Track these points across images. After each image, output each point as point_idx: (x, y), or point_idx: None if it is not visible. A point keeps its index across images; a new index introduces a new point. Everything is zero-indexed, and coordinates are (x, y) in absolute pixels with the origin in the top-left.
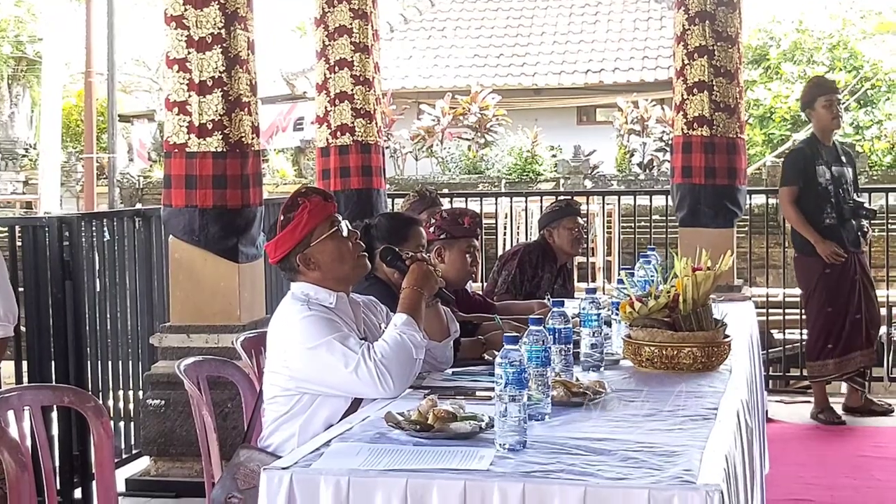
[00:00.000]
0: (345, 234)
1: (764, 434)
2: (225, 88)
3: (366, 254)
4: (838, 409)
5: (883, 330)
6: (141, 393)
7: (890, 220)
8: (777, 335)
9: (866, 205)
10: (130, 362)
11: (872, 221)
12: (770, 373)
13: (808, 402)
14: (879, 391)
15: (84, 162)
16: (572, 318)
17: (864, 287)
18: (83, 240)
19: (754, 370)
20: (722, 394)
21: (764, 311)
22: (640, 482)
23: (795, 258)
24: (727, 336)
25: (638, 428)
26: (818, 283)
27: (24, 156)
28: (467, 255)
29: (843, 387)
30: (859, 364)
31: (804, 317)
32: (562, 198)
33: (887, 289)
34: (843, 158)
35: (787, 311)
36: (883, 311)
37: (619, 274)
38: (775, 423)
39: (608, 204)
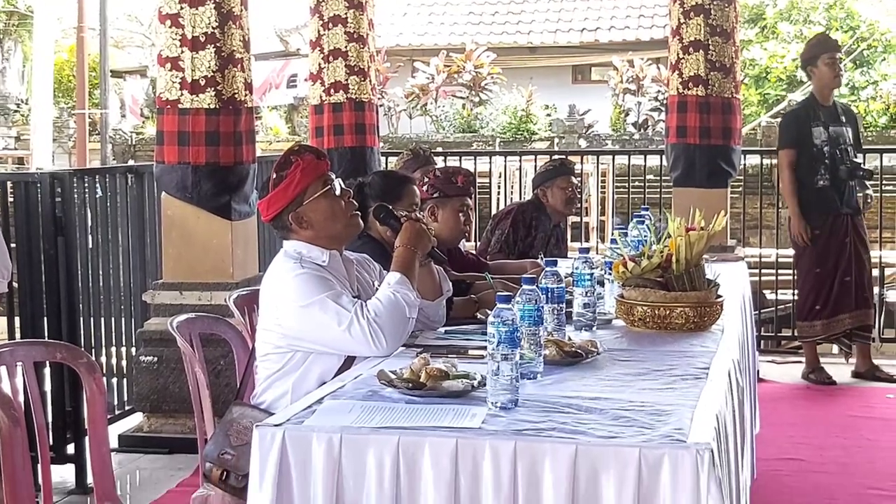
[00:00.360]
0: (338, 192)
1: (755, 394)
2: (218, 44)
3: (359, 213)
4: (831, 371)
5: (874, 291)
6: (134, 349)
7: (885, 182)
8: (769, 296)
9: (863, 166)
10: (123, 319)
11: (868, 182)
12: (762, 333)
13: (800, 362)
14: (887, 352)
15: (76, 118)
16: (565, 277)
17: (855, 249)
18: (75, 196)
19: (746, 330)
20: (713, 354)
21: (757, 271)
22: (631, 441)
23: (789, 218)
24: (719, 296)
25: (629, 387)
26: (807, 244)
27: (15, 111)
28: (460, 214)
29: (835, 347)
30: (847, 326)
31: (795, 277)
32: (556, 157)
33: (880, 250)
34: (843, 118)
35: (779, 271)
36: (875, 272)
37: (612, 234)
38: (766, 382)
39: (602, 163)
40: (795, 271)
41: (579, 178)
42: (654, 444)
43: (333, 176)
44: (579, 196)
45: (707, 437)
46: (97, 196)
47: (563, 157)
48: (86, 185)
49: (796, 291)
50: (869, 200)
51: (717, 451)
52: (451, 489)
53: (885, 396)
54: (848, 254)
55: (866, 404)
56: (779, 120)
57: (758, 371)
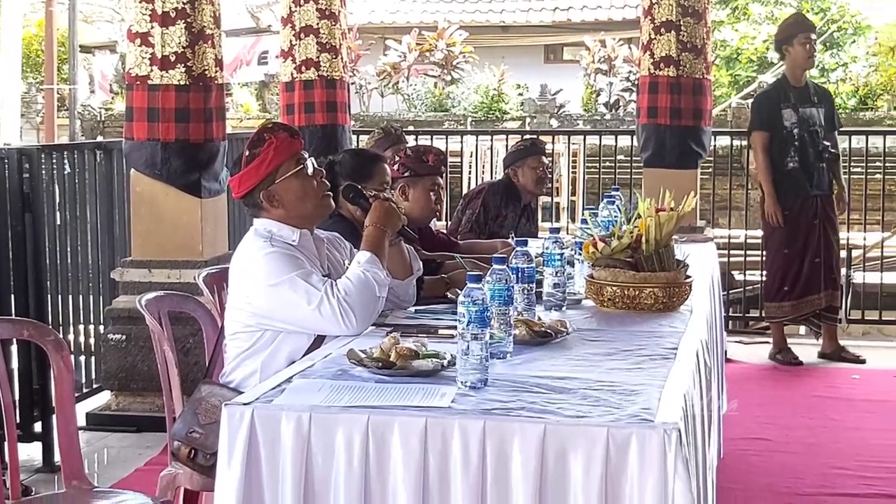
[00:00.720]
0: (310, 172)
1: (722, 374)
2: (188, 20)
3: (330, 193)
4: (798, 351)
5: (841, 272)
6: (102, 327)
7: (853, 163)
8: (738, 276)
9: (831, 148)
10: (91, 296)
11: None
12: (730, 314)
13: (767, 342)
14: (853, 334)
15: (44, 93)
16: (535, 257)
17: (824, 231)
18: (43, 172)
19: (714, 311)
20: (682, 334)
21: (726, 252)
22: (600, 420)
23: (761, 198)
24: (688, 277)
25: (598, 367)
26: (781, 225)
27: None
28: (431, 193)
29: (802, 328)
30: (816, 306)
31: (763, 258)
32: (527, 137)
33: (847, 231)
34: (815, 98)
35: (748, 252)
36: (843, 254)
37: (582, 214)
38: (734, 363)
39: (573, 144)
40: (764, 252)
41: (550, 159)
42: (622, 424)
43: (306, 155)
44: (550, 176)
45: (674, 417)
46: (65, 172)
47: (534, 136)
48: (54, 161)
49: (765, 272)
50: (844, 181)
51: (685, 431)
52: (421, 468)
53: (850, 377)
54: (817, 235)
55: (832, 385)
56: (750, 101)
57: (725, 351)
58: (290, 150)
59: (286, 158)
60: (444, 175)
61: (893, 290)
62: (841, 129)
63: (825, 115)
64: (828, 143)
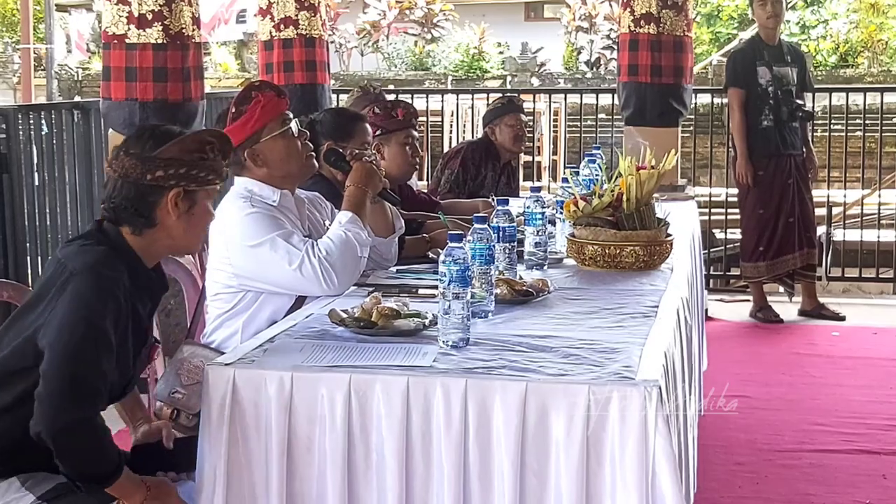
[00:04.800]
0: (295, 133)
1: (703, 332)
2: None
3: (314, 154)
4: (779, 309)
5: (821, 230)
6: None
7: (833, 121)
8: (719, 235)
9: (804, 107)
10: None
11: (814, 123)
12: (711, 272)
13: (747, 301)
14: (818, 291)
15: (21, 53)
16: (517, 216)
17: (798, 190)
18: (20, 132)
19: (695, 269)
20: (663, 292)
21: (706, 210)
22: (581, 378)
23: (733, 158)
24: (669, 235)
25: (579, 325)
26: (752, 185)
27: None
28: (406, 147)
29: (781, 287)
30: (791, 266)
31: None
32: (504, 95)
33: (828, 189)
34: (788, 58)
35: (729, 211)
36: (822, 211)
37: (564, 173)
38: (714, 321)
39: (555, 102)
40: (740, 212)
41: (532, 117)
42: (603, 382)
43: (291, 115)
44: (528, 133)
45: (655, 375)
46: (43, 133)
47: (512, 94)
48: (31, 121)
49: (741, 232)
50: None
51: (665, 388)
52: (403, 427)
53: (830, 334)
54: (791, 195)
55: (812, 342)
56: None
57: (706, 309)
58: (277, 110)
59: (272, 118)
60: (416, 128)
61: (873, 248)
62: (822, 87)
63: (798, 75)
64: (801, 103)
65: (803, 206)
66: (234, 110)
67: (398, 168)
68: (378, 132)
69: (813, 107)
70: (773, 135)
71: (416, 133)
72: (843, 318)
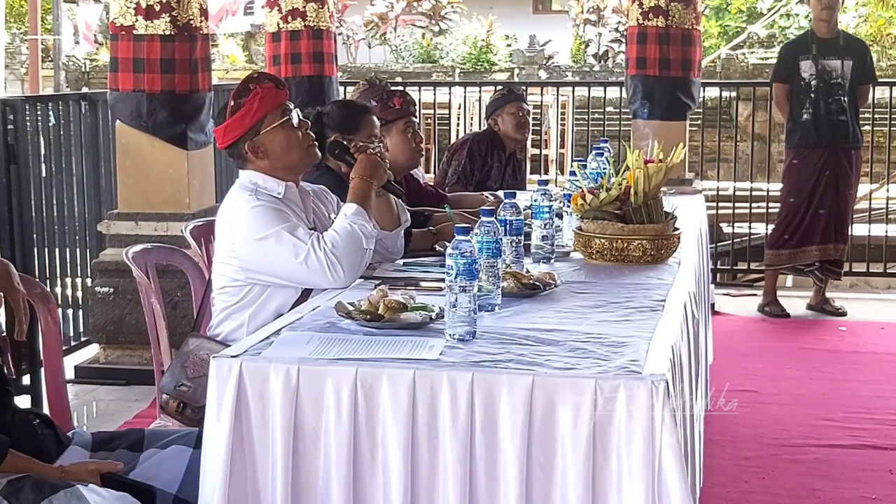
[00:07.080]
0: (295, 123)
1: (709, 326)
2: None
3: (316, 143)
4: (786, 304)
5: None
6: (89, 280)
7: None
8: (726, 229)
9: (858, 99)
10: (78, 249)
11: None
12: (718, 266)
13: (754, 295)
14: (840, 286)
15: (28, 44)
16: (524, 209)
17: (834, 183)
18: (28, 123)
19: (702, 263)
20: (670, 286)
21: (714, 204)
22: (588, 372)
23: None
24: (677, 229)
25: (586, 319)
26: (786, 174)
27: None
28: (408, 134)
29: (789, 280)
30: (814, 258)
31: (750, 211)
32: (506, 85)
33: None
34: (843, 50)
35: (736, 205)
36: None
37: (571, 166)
38: (721, 315)
39: (562, 95)
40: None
41: (538, 111)
42: (609, 376)
43: (292, 106)
44: (530, 121)
45: (662, 369)
46: (50, 124)
47: (515, 85)
48: (38, 112)
49: (753, 225)
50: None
51: (672, 382)
52: (409, 420)
53: (837, 329)
54: (823, 186)
55: (819, 337)
56: (739, 52)
57: (713, 303)
58: (276, 101)
59: (272, 109)
60: (414, 115)
61: (881, 243)
62: (876, 81)
63: (854, 67)
64: (844, 100)
65: (839, 201)
66: (232, 103)
67: (403, 156)
68: (379, 124)
69: (873, 98)
70: (809, 127)
71: (415, 119)
72: (843, 314)
